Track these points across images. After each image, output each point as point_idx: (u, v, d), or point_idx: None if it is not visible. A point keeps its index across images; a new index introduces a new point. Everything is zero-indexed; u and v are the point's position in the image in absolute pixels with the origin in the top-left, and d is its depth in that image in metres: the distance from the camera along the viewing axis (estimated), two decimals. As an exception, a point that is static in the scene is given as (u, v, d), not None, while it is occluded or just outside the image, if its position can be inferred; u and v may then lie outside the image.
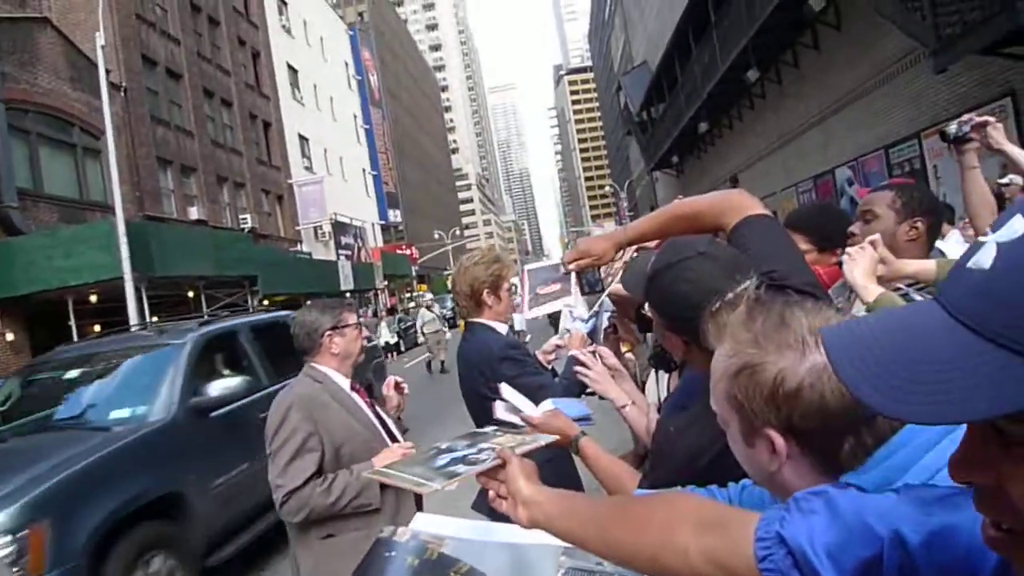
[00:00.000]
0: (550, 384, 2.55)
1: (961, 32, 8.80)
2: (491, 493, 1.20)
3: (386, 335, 23.64)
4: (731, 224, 1.50)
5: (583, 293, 1.96)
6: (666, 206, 1.68)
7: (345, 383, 2.54)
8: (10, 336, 14.88)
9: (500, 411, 1.92)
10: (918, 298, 1.95)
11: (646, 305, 1.58)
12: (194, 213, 22.60)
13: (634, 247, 2.22)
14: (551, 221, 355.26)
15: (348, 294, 31.46)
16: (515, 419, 1.88)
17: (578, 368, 2.01)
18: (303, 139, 34.59)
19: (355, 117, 45.08)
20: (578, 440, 1.74)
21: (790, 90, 17.57)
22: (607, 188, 67.24)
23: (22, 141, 16.09)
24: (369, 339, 20.10)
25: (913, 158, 12.17)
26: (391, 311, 32.65)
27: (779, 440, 0.88)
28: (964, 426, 0.51)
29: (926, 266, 1.99)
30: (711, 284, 1.28)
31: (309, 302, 2.67)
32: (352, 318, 2.61)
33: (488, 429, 1.62)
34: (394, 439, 2.54)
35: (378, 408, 2.62)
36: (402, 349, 25.95)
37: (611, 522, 0.96)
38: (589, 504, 1.06)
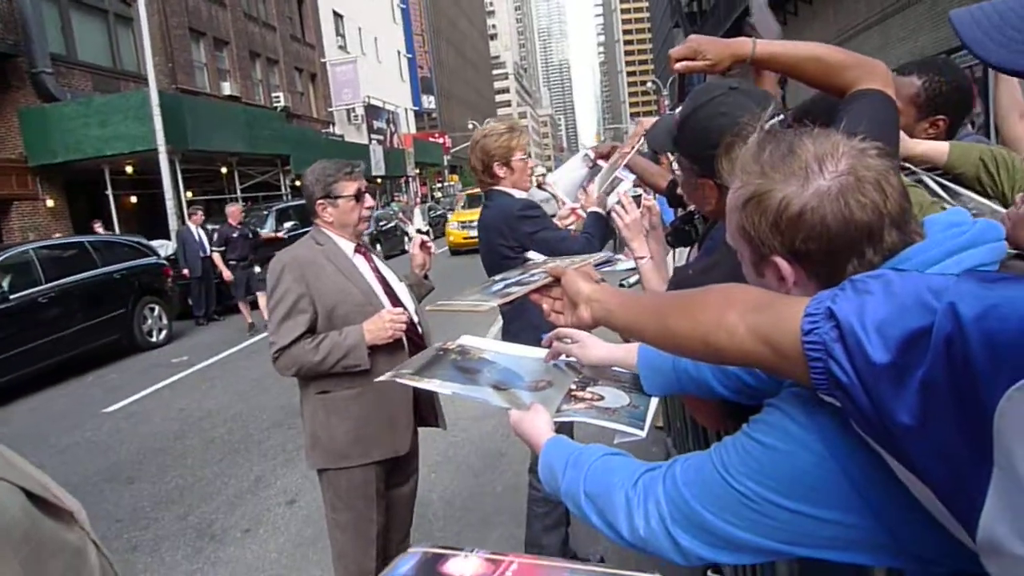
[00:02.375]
0: (569, 237, 2.65)
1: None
2: (546, 307, 1.24)
3: (419, 222, 23.79)
4: (857, 88, 1.39)
5: (679, 101, 1.71)
6: (807, 43, 1.48)
7: (348, 247, 2.52)
8: (50, 202, 15.21)
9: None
10: (929, 183, 1.91)
11: (674, 164, 1.55)
12: (227, 88, 22.35)
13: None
14: (588, 117, 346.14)
15: (379, 179, 31.39)
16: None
17: (616, 209, 2.01)
18: (337, 16, 33.52)
19: (391, -5, 43.43)
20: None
21: (850, -15, 16.45)
22: (649, 84, 64.66)
23: (52, 4, 15.81)
24: (389, 220, 20.50)
25: (975, 65, 11.47)
26: (423, 199, 32.57)
27: (785, 266, 0.91)
28: (971, 245, 0.51)
29: (938, 148, 1.92)
30: (746, 114, 1.25)
31: (313, 165, 2.57)
32: (350, 187, 2.49)
33: (540, 260, 1.70)
34: (397, 302, 2.52)
35: (384, 272, 2.60)
36: (432, 237, 26.13)
37: (669, 309, 0.99)
38: (648, 297, 1.11)
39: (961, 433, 0.63)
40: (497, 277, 1.51)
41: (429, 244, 2.78)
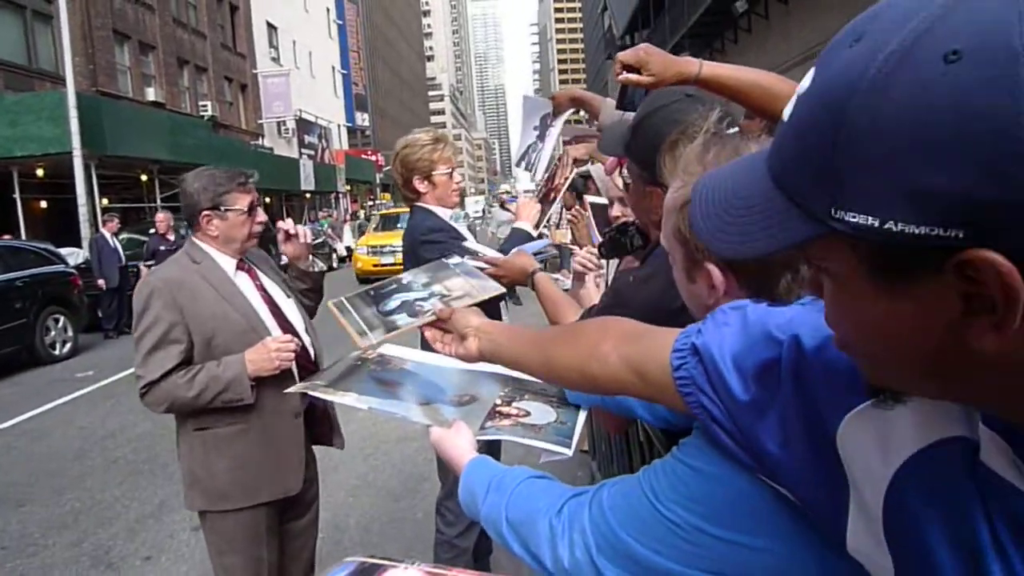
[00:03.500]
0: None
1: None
2: (430, 335, 1.27)
3: (348, 239, 23.39)
4: None
5: (621, 107, 1.64)
6: (753, 69, 1.48)
7: (229, 264, 2.25)
8: (-51, 204, 14.23)
9: (466, 260, 1.96)
10: None
11: (623, 171, 1.55)
12: (151, 94, 21.53)
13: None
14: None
15: (308, 194, 30.84)
16: (480, 263, 1.98)
17: (577, 264, 2.10)
18: (271, 27, 32.94)
19: (328, 10, 42.95)
20: (535, 274, 1.96)
21: (777, 25, 17.28)
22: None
23: (-36, -5, 14.96)
24: (323, 243, 20.03)
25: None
26: (353, 216, 32.12)
27: (717, 274, 0.89)
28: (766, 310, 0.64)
29: None
30: (693, 116, 1.24)
31: (198, 170, 2.28)
32: (243, 200, 2.22)
33: (453, 261, 1.71)
34: (285, 325, 2.29)
35: (270, 290, 2.34)
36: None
37: (550, 342, 1.02)
38: (533, 332, 1.11)
39: (818, 458, 0.64)
40: (404, 279, 1.54)
41: (294, 231, 2.47)
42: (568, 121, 2.69)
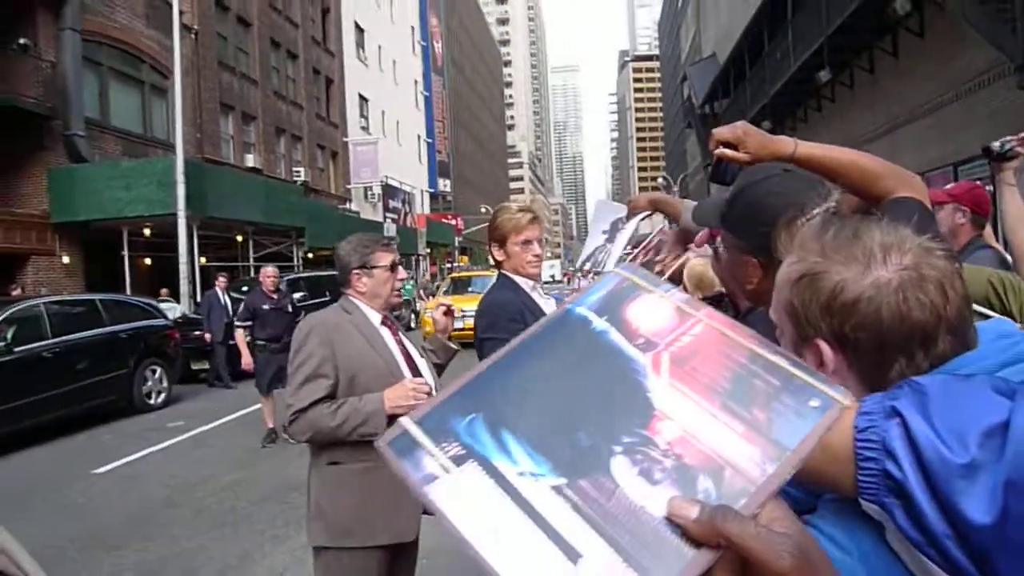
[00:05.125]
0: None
1: (1052, 49, 8.40)
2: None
3: (441, 299, 23.69)
4: (894, 195, 1.41)
5: (714, 180, 1.61)
6: (847, 149, 1.49)
7: (376, 317, 2.52)
8: (66, 259, 15.40)
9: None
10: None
11: (717, 241, 1.54)
12: (250, 160, 22.97)
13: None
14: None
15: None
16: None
17: None
18: (363, 99, 34.78)
19: (416, 83, 45.14)
20: None
21: (861, 95, 17.03)
22: (659, 180, 66.22)
23: (94, 73, 16.51)
24: (408, 301, 20.38)
25: (984, 177, 11.71)
26: (432, 278, 32.84)
27: (828, 351, 0.87)
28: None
29: None
30: (799, 199, 1.26)
31: (349, 237, 2.60)
32: (385, 259, 2.52)
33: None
34: (417, 373, 2.50)
35: (407, 345, 2.59)
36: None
37: None
38: None
39: None
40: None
41: (453, 308, 2.81)
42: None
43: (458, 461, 0.55)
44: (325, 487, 2.37)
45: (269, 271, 8.53)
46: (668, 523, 0.51)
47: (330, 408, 2.29)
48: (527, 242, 2.56)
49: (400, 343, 2.56)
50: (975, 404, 0.68)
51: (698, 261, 2.40)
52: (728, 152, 1.49)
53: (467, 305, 14.18)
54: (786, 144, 1.47)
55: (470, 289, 17.04)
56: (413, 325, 20.64)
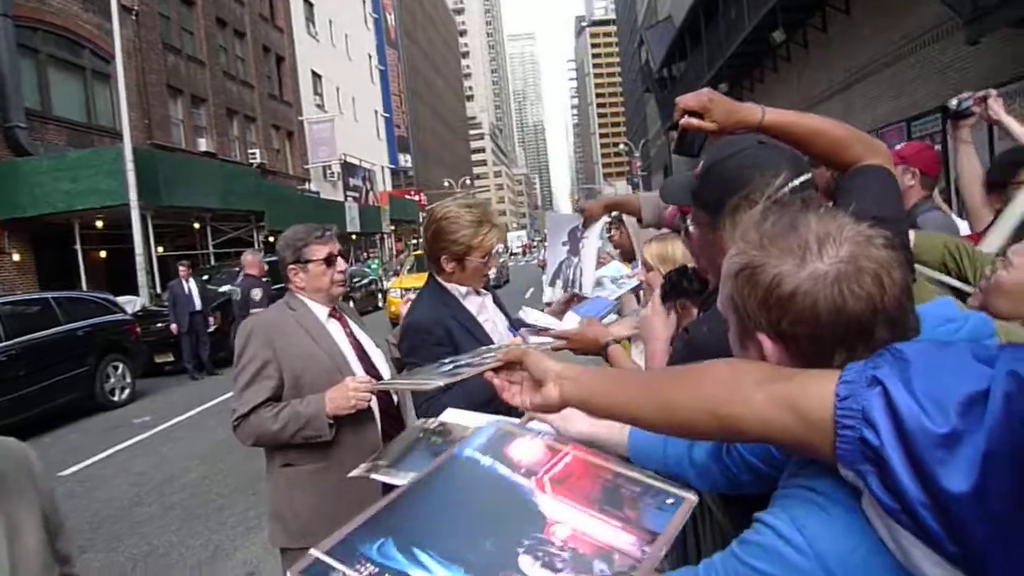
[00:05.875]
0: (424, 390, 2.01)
1: (998, 3, 8.51)
2: (497, 384, 1.11)
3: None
4: (861, 163, 1.38)
5: (679, 152, 1.49)
6: (815, 116, 1.43)
7: (322, 312, 2.44)
8: (16, 256, 14.92)
9: (529, 336, 1.85)
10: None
11: (687, 219, 1.52)
12: (203, 145, 22.38)
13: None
14: (563, 177, 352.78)
15: (354, 236, 31.41)
16: (546, 338, 1.88)
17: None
18: (316, 76, 34.05)
19: (370, 57, 44.27)
20: (608, 346, 1.85)
21: (815, 54, 17.16)
22: (621, 146, 66.31)
23: (31, 60, 15.84)
24: (362, 277, 20.20)
25: (935, 132, 11.93)
26: (398, 254, 32.62)
27: (769, 345, 0.87)
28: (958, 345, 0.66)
29: None
30: (773, 172, 1.23)
31: (288, 230, 2.50)
32: (320, 252, 2.39)
33: (493, 346, 1.64)
34: (371, 369, 2.42)
35: (359, 336, 2.51)
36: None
37: (664, 385, 0.91)
38: (632, 374, 1.05)
39: (1021, 499, 0.60)
40: (447, 360, 1.45)
41: None
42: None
43: None
44: (280, 489, 2.34)
45: (249, 258, 9.05)
46: None
47: (271, 412, 2.23)
48: (486, 259, 2.31)
49: (351, 335, 2.48)
50: (955, 373, 0.68)
51: (653, 243, 2.38)
52: (694, 121, 1.42)
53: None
54: (753, 111, 1.41)
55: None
56: (380, 304, 20.52)
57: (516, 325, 2.43)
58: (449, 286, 2.32)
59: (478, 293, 2.38)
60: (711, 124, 1.41)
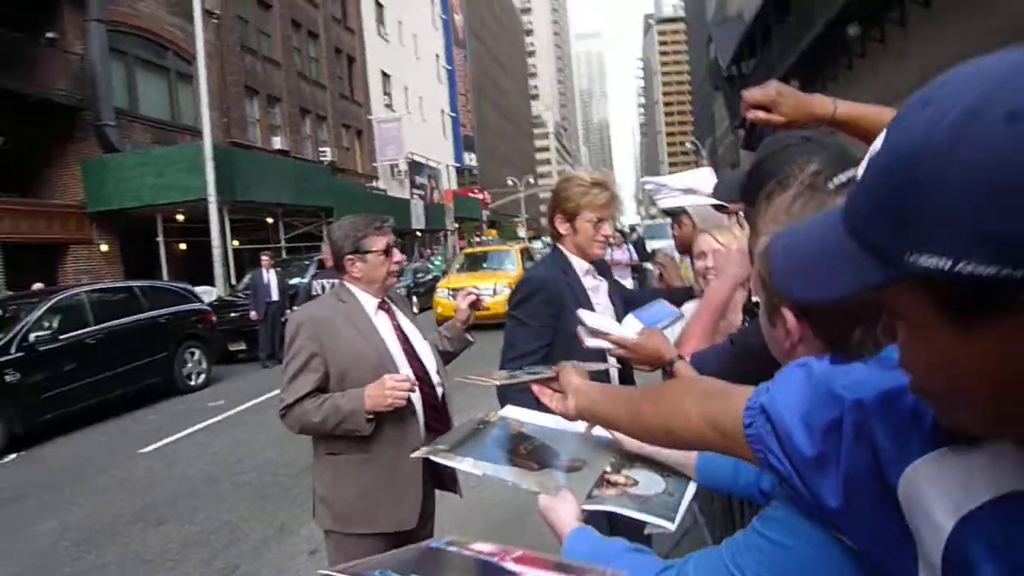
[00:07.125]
0: (525, 354, 2.25)
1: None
2: (537, 389, 1.34)
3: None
4: None
5: (748, 147, 1.47)
6: (892, 110, 1.36)
7: (372, 304, 2.44)
8: (104, 247, 15.82)
9: (585, 338, 1.75)
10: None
11: (739, 215, 1.53)
12: (277, 143, 23.20)
13: None
14: (627, 176, 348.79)
15: (418, 232, 31.95)
16: (603, 343, 1.75)
17: None
18: (385, 76, 34.76)
19: (438, 57, 44.92)
20: (673, 363, 1.62)
21: (893, 50, 16.54)
22: (688, 144, 65.19)
23: (120, 62, 16.78)
24: (427, 273, 20.32)
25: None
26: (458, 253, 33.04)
27: (791, 319, 0.92)
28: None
29: None
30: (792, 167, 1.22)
31: (342, 219, 2.50)
32: (379, 242, 2.41)
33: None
34: (417, 363, 2.43)
35: (407, 330, 2.50)
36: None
37: (640, 400, 1.05)
38: (627, 391, 1.15)
39: (880, 510, 0.64)
40: (527, 366, 1.65)
41: (480, 301, 2.68)
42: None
43: None
44: (325, 476, 2.40)
45: (327, 249, 9.30)
46: None
47: (314, 404, 2.28)
48: (601, 220, 2.39)
49: (398, 328, 2.48)
50: (821, 396, 0.73)
51: (717, 230, 2.35)
52: (762, 115, 1.37)
53: (483, 283, 13.57)
54: (825, 104, 1.36)
55: (484, 265, 16.14)
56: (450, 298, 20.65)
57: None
58: (572, 258, 2.43)
59: (595, 277, 2.48)
60: (779, 117, 1.37)
